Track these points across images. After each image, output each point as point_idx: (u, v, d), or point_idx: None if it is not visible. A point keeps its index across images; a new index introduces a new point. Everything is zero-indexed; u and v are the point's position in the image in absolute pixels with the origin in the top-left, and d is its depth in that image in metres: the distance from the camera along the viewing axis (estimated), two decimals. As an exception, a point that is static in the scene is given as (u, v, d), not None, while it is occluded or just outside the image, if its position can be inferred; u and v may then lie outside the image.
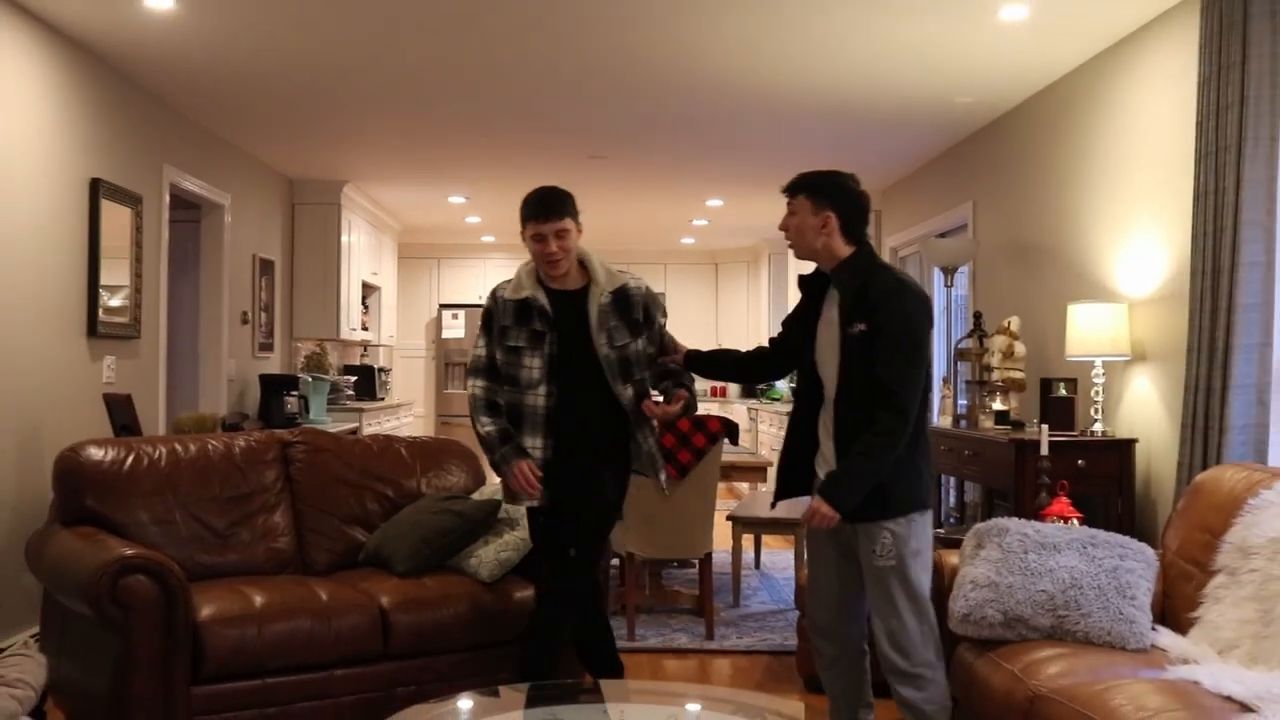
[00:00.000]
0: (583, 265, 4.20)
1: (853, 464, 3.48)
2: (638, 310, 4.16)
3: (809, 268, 3.82)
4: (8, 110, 5.42)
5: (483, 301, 15.42)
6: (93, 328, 6.26)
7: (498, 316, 4.18)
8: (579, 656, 4.34)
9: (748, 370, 4.53)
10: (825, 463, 3.68)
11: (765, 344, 4.30)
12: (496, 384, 4.18)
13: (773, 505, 4.03)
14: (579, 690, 4.14)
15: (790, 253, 3.84)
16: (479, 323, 4.34)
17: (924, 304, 3.61)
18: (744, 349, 4.40)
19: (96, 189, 6.27)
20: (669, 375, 4.26)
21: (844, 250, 3.62)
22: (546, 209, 4.05)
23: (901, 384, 3.45)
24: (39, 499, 5.42)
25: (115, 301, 6.52)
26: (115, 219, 6.49)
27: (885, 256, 10.06)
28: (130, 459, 4.58)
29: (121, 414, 6.09)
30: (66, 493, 4.50)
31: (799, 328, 3.83)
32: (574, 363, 4.09)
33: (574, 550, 4.12)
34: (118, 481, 4.50)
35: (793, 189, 3.68)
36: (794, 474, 3.85)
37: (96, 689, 3.99)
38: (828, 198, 3.60)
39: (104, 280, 6.33)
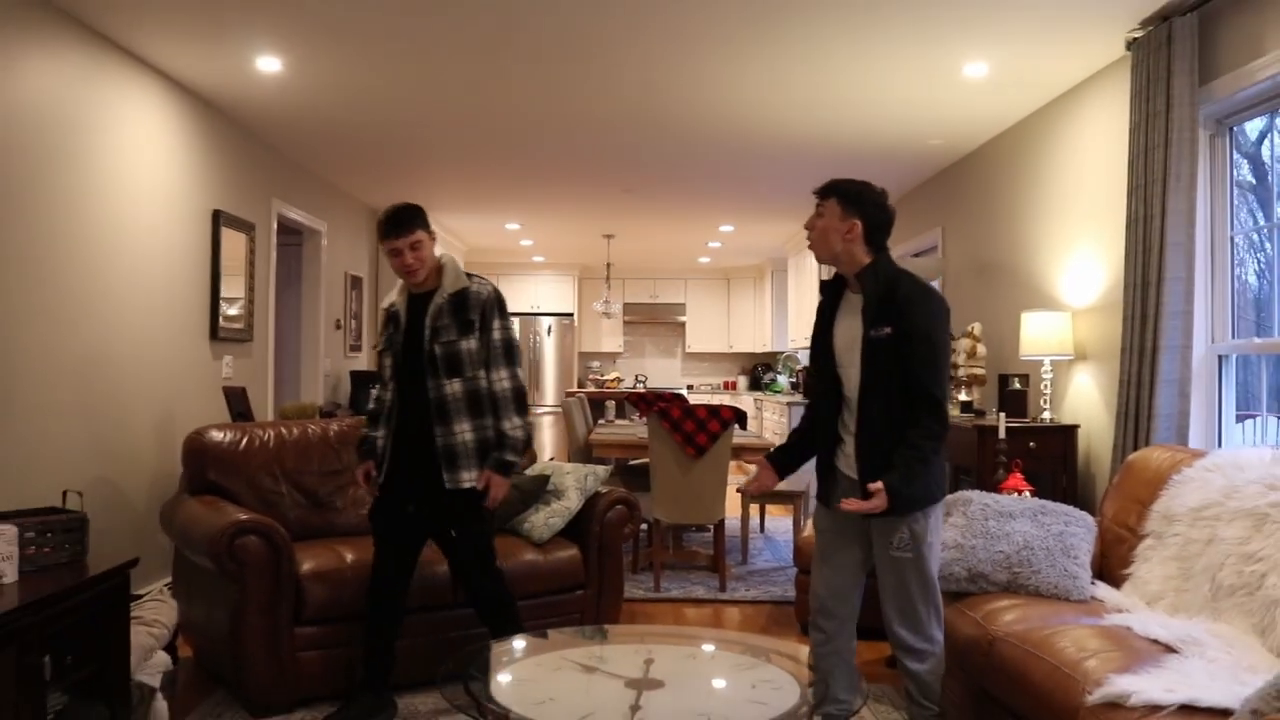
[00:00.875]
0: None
1: (911, 468, 3.05)
2: (473, 311, 3.75)
3: (825, 274, 3.36)
4: (147, 154, 5.48)
5: (534, 310, 15.24)
6: (214, 332, 6.32)
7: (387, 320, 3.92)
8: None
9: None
10: (846, 459, 3.27)
11: (808, 400, 3.60)
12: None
13: (818, 497, 3.45)
14: (609, 631, 4.15)
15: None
16: None
17: (946, 309, 3.22)
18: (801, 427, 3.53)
19: (218, 218, 6.32)
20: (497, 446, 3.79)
21: (864, 257, 3.18)
22: (398, 226, 3.71)
23: (937, 386, 3.08)
24: (171, 473, 5.48)
25: (232, 311, 6.58)
26: (233, 243, 6.55)
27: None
28: (245, 440, 4.62)
29: (237, 403, 6.15)
30: (193, 468, 4.55)
31: (820, 338, 3.38)
32: (416, 360, 3.77)
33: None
34: (234, 458, 4.55)
35: (824, 192, 3.23)
36: (796, 462, 3.49)
37: (217, 628, 4.04)
38: (857, 206, 3.17)
39: (223, 293, 6.38)
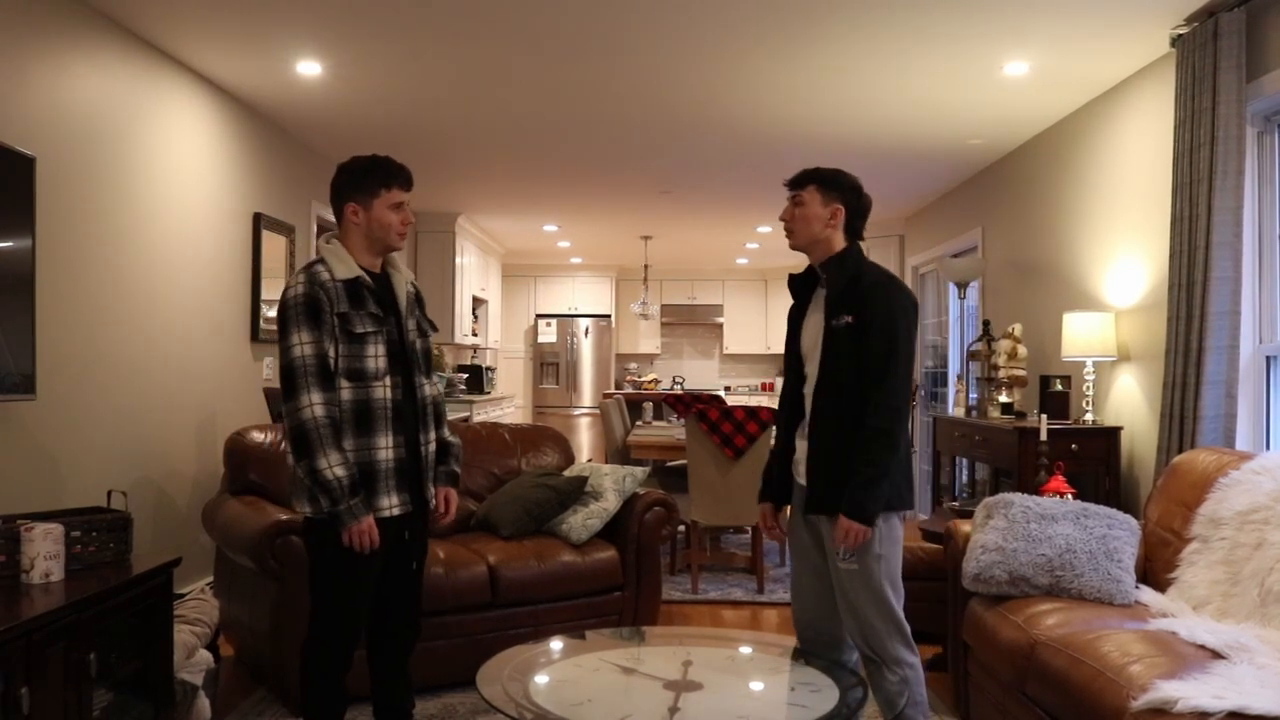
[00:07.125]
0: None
1: (864, 475, 2.93)
2: (424, 307, 3.36)
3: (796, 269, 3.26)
4: (189, 158, 5.54)
5: (572, 312, 15.11)
6: (255, 334, 6.38)
7: (331, 303, 2.98)
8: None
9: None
10: (798, 465, 3.18)
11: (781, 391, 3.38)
12: (333, 393, 2.96)
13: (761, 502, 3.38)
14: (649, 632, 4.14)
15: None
16: (296, 317, 2.96)
17: (911, 300, 3.08)
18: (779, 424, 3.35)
19: (258, 221, 6.39)
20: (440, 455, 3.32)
21: (840, 245, 3.13)
22: (410, 176, 3.23)
23: (889, 379, 2.94)
24: (212, 473, 5.53)
25: (273, 313, 6.63)
26: (273, 245, 6.61)
27: (907, 275, 9.97)
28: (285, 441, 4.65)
29: (278, 404, 6.18)
30: (234, 468, 4.59)
31: (794, 334, 3.29)
32: (401, 353, 3.13)
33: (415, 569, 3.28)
34: (275, 459, 4.59)
35: (801, 181, 3.19)
36: (780, 477, 3.31)
37: (259, 627, 4.08)
38: (838, 192, 3.13)
39: (264, 295, 6.44)
